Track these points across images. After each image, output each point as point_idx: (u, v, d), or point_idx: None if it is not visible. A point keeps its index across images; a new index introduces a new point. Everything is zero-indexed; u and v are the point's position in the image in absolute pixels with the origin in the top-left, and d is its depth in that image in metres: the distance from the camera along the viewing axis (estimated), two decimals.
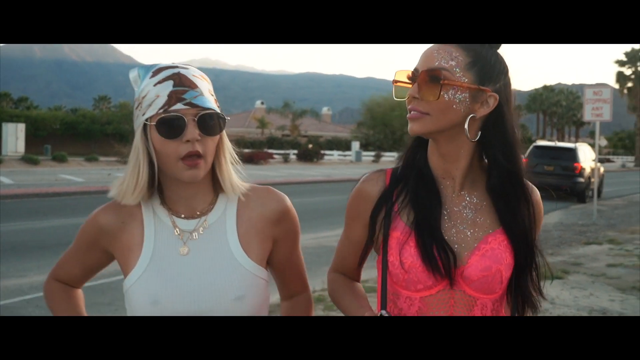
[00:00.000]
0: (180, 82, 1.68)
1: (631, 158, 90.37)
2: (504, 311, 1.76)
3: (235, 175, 1.78)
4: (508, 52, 1.76)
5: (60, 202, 17.75)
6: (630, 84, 76.55)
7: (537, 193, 1.80)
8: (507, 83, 1.71)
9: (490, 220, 1.71)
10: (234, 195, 1.79)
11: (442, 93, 1.61)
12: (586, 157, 23.36)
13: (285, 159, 48.55)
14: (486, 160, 1.76)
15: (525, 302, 1.74)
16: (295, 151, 52.78)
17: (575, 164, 22.30)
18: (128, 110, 58.76)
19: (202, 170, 1.69)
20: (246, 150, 47.58)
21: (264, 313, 1.81)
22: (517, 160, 1.71)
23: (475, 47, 1.66)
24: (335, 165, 49.08)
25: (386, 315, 1.67)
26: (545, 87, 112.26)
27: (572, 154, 22.93)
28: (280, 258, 1.86)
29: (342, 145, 66.89)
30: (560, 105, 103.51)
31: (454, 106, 1.63)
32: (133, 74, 1.76)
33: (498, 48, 1.71)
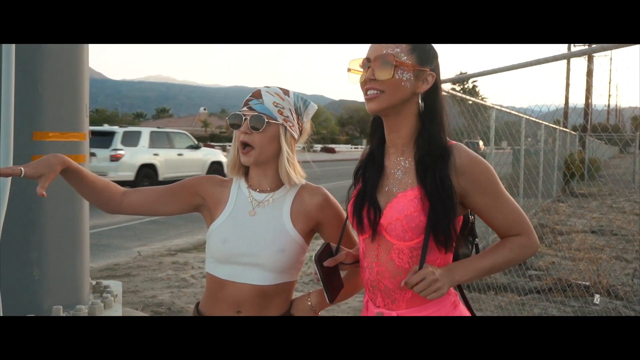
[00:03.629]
0: (253, 94, 1.71)
1: None
2: (430, 257, 1.50)
3: (294, 172, 1.72)
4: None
5: None
6: (458, 98, 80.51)
7: (462, 154, 1.51)
8: (438, 65, 1.57)
9: (411, 179, 1.53)
10: (295, 185, 1.75)
11: (394, 73, 1.48)
12: None
13: (223, 150, 48.97)
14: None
15: (446, 242, 1.48)
16: (230, 144, 53.09)
17: None
18: (105, 114, 57.61)
19: (252, 157, 1.69)
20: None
21: (297, 268, 1.75)
22: (439, 126, 1.54)
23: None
24: None
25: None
26: None
27: None
28: (327, 236, 1.76)
29: None
30: None
31: (403, 84, 1.49)
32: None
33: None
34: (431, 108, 1.54)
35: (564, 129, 15.60)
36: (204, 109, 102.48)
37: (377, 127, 1.64)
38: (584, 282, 5.65)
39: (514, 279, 5.90)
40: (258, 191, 1.76)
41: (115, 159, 13.10)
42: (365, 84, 1.53)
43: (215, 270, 1.73)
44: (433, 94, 1.55)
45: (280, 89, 1.74)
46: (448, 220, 1.47)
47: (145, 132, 14.45)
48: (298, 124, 1.75)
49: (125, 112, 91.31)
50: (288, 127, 1.71)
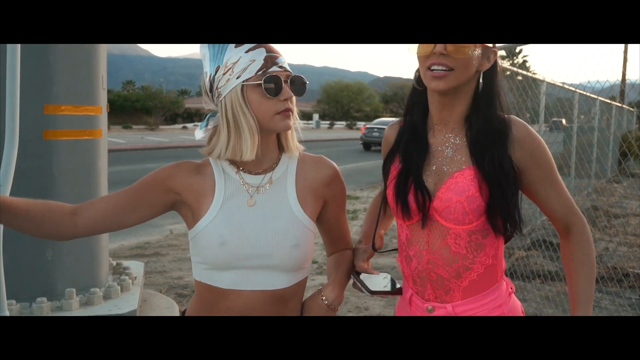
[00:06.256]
0: (271, 50, 1.40)
1: None
2: (488, 240, 1.42)
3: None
4: None
5: (112, 156, 18.41)
6: (508, 72, 78.87)
7: (520, 127, 1.42)
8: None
9: (465, 157, 1.41)
10: (294, 156, 1.49)
11: (470, 50, 1.34)
12: None
13: None
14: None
15: (504, 224, 1.40)
16: None
17: None
18: (150, 91, 58.52)
19: (291, 121, 1.44)
20: None
21: (311, 259, 1.47)
22: (495, 107, 1.42)
23: None
24: (302, 130, 49.95)
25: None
26: None
27: None
28: (329, 217, 1.54)
29: (306, 116, 67.89)
30: None
31: (473, 62, 1.37)
32: (203, 50, 1.43)
33: None
34: (491, 88, 1.43)
35: (621, 104, 14.73)
36: None
37: (417, 100, 1.50)
38: None
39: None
40: (251, 173, 1.44)
41: None
42: (429, 58, 1.35)
43: (213, 279, 1.39)
44: (493, 72, 1.44)
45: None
46: (508, 204, 1.37)
47: None
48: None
49: (170, 89, 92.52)
50: None
